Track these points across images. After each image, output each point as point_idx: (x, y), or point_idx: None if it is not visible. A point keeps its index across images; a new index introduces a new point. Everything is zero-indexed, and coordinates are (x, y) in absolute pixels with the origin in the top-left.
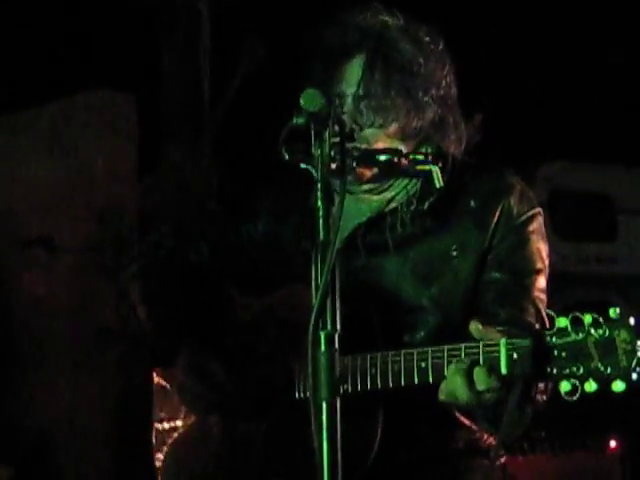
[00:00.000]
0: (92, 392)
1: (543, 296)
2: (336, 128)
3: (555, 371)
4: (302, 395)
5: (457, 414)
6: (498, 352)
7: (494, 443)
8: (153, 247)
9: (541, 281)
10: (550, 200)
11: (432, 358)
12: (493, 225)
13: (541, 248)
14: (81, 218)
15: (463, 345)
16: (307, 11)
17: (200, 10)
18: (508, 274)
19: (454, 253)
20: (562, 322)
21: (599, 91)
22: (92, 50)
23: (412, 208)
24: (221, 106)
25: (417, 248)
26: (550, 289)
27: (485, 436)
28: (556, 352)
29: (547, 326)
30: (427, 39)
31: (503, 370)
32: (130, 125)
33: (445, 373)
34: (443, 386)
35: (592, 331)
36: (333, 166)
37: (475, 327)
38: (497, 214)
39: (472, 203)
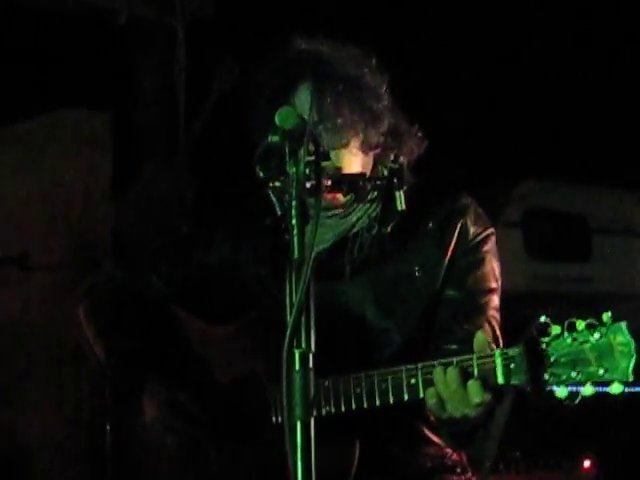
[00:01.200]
0: (66, 411)
1: (497, 315)
2: (311, 147)
3: (553, 378)
4: (279, 419)
5: (427, 432)
6: (494, 363)
7: (459, 459)
8: (104, 282)
9: (495, 300)
10: (524, 219)
11: (423, 374)
12: (452, 245)
13: (495, 267)
14: (56, 236)
15: (455, 359)
16: (283, 31)
17: (175, 28)
18: (464, 293)
19: (417, 273)
20: (557, 329)
21: (575, 111)
22: (67, 68)
23: (374, 232)
24: (197, 124)
25: (380, 271)
26: (524, 308)
27: (450, 452)
28: (554, 358)
29: (501, 344)
30: (360, 55)
31: (500, 380)
32: (105, 143)
33: None
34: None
35: (588, 336)
36: (308, 185)
37: (483, 338)
38: (455, 234)
39: (430, 224)
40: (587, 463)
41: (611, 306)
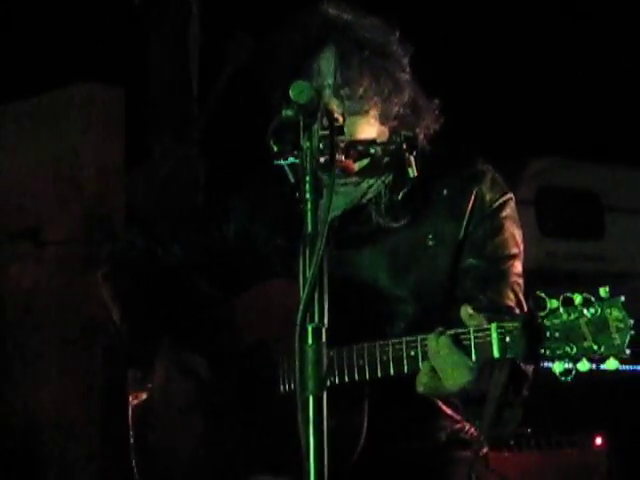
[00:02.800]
0: (78, 385)
1: (520, 280)
2: (325, 121)
3: (548, 352)
4: (287, 389)
5: (440, 404)
6: (489, 336)
7: (476, 434)
8: (124, 248)
9: (517, 266)
10: (538, 197)
11: (422, 346)
12: (468, 213)
13: (515, 233)
14: (69, 210)
15: (453, 331)
16: (297, 6)
17: (189, 2)
18: (485, 260)
19: (430, 242)
20: (553, 303)
21: (588, 88)
22: (80, 43)
23: (386, 199)
24: (210, 99)
25: (392, 239)
26: (536, 286)
27: (467, 426)
28: (549, 333)
29: (525, 310)
30: (385, 26)
31: (495, 354)
32: (119, 118)
33: None
34: (420, 378)
35: (584, 311)
36: (322, 160)
37: (465, 311)
38: (471, 201)
39: (445, 192)
40: (599, 440)
41: (624, 284)
